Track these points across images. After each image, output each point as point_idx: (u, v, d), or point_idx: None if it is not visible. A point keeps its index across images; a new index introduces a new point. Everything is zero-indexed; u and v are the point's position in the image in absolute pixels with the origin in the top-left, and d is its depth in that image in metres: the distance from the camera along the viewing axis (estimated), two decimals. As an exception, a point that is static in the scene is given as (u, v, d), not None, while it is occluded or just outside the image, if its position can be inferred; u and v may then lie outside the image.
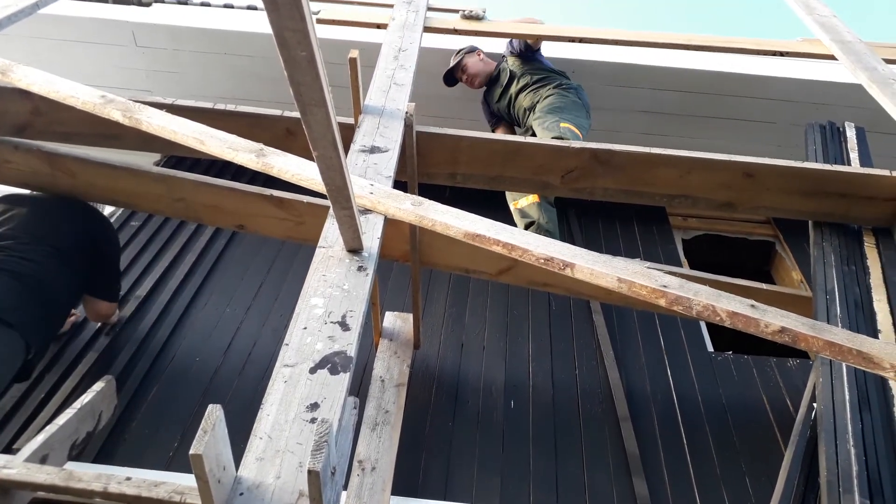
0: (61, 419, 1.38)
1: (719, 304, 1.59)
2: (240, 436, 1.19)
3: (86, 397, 1.47)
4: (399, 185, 1.96)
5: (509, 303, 3.23)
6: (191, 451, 0.96)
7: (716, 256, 4.03)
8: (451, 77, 3.94)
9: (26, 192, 2.68)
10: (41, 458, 1.30)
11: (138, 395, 2.56)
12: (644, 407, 2.70)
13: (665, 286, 1.61)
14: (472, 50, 3.94)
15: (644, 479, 2.37)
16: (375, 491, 2.02)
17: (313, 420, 1.21)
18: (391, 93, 2.37)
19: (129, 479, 1.22)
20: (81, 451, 1.57)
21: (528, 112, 3.72)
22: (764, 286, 2.61)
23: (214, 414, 1.01)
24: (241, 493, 1.08)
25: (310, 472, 0.95)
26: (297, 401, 1.24)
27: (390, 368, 2.55)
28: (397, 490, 2.13)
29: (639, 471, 2.40)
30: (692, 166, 2.47)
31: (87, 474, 1.22)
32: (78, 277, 2.55)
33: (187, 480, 1.19)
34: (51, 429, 1.35)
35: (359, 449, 2.17)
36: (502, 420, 2.59)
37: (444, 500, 2.25)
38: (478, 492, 2.32)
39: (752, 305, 1.59)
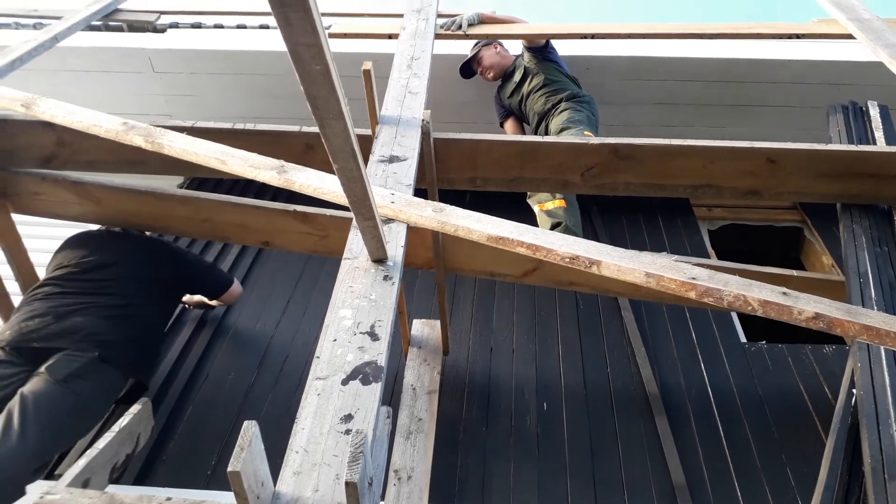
0: (101, 443, 1.41)
1: (751, 293, 1.57)
2: (276, 450, 1.20)
3: (123, 420, 1.49)
4: (419, 192, 1.96)
5: (536, 304, 3.22)
6: (229, 469, 0.97)
7: (743, 245, 3.98)
8: (468, 68, 3.93)
9: (93, 231, 2.76)
10: (83, 482, 1.32)
11: (174, 416, 2.59)
12: (679, 401, 2.67)
13: (694, 278, 1.59)
14: (489, 42, 3.93)
15: (682, 471, 2.35)
16: (413, 500, 2.02)
17: (348, 432, 1.21)
18: (406, 101, 2.38)
19: (169, 499, 1.23)
20: (122, 474, 1.59)
21: (539, 119, 3.71)
22: (795, 273, 2.56)
23: (250, 430, 1.02)
24: (281, 508, 1.08)
25: (347, 484, 0.95)
26: (331, 413, 1.25)
27: (421, 376, 2.55)
28: (435, 497, 2.13)
29: (676, 464, 2.38)
30: (714, 156, 2.44)
31: (129, 496, 1.24)
32: (163, 302, 2.68)
33: (227, 499, 1.20)
34: (91, 453, 1.37)
35: (394, 458, 2.17)
36: (536, 422, 2.58)
37: (483, 504, 2.25)
38: (515, 494, 2.31)
39: (784, 293, 1.57)
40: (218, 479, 2.32)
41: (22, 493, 1.77)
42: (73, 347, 2.16)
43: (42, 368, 2.10)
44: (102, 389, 2.16)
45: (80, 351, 2.15)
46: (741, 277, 1.61)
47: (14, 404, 1.96)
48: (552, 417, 2.60)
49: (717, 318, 3.11)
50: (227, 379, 2.79)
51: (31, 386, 2.04)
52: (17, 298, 2.77)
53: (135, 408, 1.53)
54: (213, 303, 3.13)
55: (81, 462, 1.34)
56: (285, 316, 3.16)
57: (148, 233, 2.85)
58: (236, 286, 3.07)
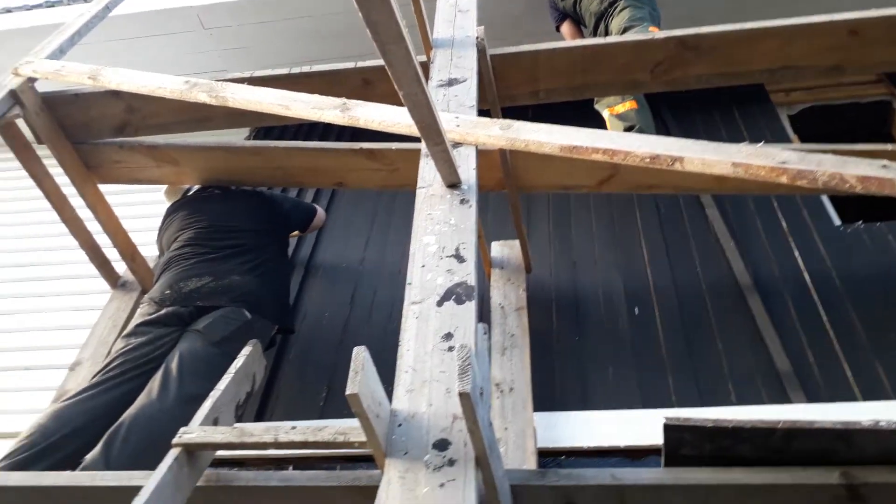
0: (221, 384, 1.50)
1: (847, 170, 1.49)
2: (380, 376, 1.25)
3: (238, 362, 1.58)
4: (481, 113, 1.93)
5: (614, 214, 3.16)
6: (347, 392, 1.02)
7: (827, 127, 3.75)
8: None
9: (190, 196, 2.89)
10: (213, 421, 1.42)
11: (280, 356, 2.73)
12: (775, 290, 2.61)
13: (784, 162, 1.52)
14: None
15: (786, 358, 2.33)
16: (517, 410, 2.08)
17: (451, 348, 1.25)
18: (458, 21, 2.32)
19: (294, 427, 1.31)
20: (244, 413, 1.70)
21: (596, 19, 3.54)
22: (889, 146, 2.41)
23: (362, 355, 1.06)
24: (400, 424, 1.14)
25: (461, 394, 0.99)
26: (432, 333, 1.29)
27: (507, 295, 2.58)
28: (538, 406, 2.19)
29: (779, 351, 2.35)
30: (790, 34, 2.29)
31: (258, 428, 1.33)
32: (282, 246, 2.82)
33: (346, 423, 1.27)
34: (215, 394, 1.47)
35: (493, 373, 2.23)
36: (629, 327, 2.59)
37: (586, 409, 2.30)
38: (617, 396, 2.35)
39: (884, 166, 1.48)
40: (330, 409, 2.46)
41: None
42: (230, 306, 2.28)
43: (199, 327, 2.22)
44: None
45: (234, 311, 2.28)
46: (834, 155, 1.53)
47: (173, 362, 2.10)
48: (645, 321, 2.59)
49: (808, 204, 2.98)
50: (323, 317, 2.91)
51: (189, 345, 2.18)
52: (118, 265, 2.95)
53: (246, 349, 1.62)
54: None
55: (208, 403, 1.44)
56: (367, 252, 3.22)
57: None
58: (320, 212, 3.20)
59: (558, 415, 2.29)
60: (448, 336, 1.27)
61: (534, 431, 2.09)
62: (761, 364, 2.35)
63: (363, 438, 1.23)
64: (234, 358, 2.22)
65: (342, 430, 1.27)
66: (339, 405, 2.45)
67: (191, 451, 1.34)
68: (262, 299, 2.40)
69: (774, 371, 2.31)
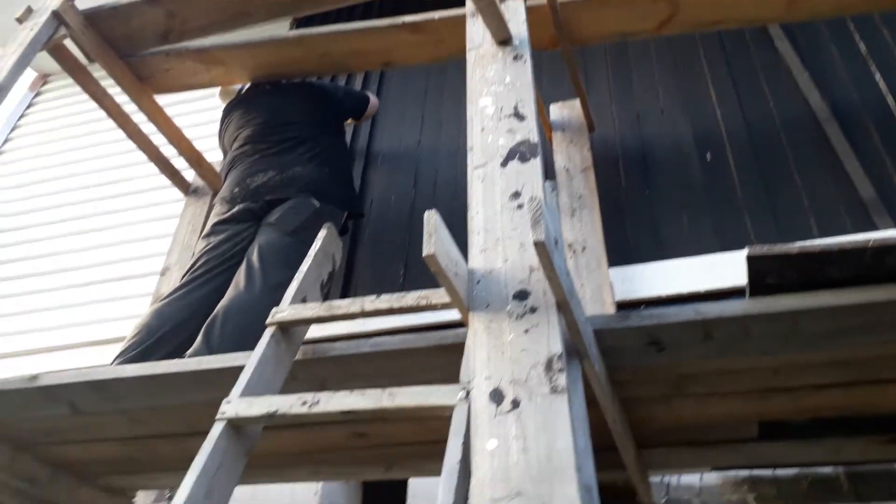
0: (304, 266, 1.57)
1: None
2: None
3: (316, 244, 1.64)
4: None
5: (677, 58, 2.99)
6: (424, 253, 1.04)
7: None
8: None
9: (242, 95, 2.87)
10: (301, 300, 1.49)
11: (354, 242, 2.81)
12: (855, 118, 2.46)
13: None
14: None
15: (870, 185, 2.23)
16: (591, 268, 2.09)
17: (520, 206, 1.25)
18: None
19: (378, 296, 1.37)
20: (328, 293, 1.78)
21: None
22: None
23: (433, 218, 1.08)
24: (479, 281, 1.17)
25: (536, 244, 0.99)
26: (499, 193, 1.29)
27: (571, 157, 2.53)
28: (613, 263, 2.19)
29: (862, 179, 2.25)
30: None
31: (344, 302, 1.39)
32: (340, 134, 2.83)
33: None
34: (299, 276, 1.54)
35: (564, 235, 2.23)
36: (700, 173, 2.52)
37: (663, 259, 2.29)
38: (693, 242, 2.32)
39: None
40: (409, 287, 2.53)
41: None
42: (297, 197, 2.34)
43: (272, 220, 2.30)
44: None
45: (303, 201, 2.34)
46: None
47: (254, 255, 2.20)
48: (718, 165, 2.51)
49: (888, 22, 2.72)
50: (389, 200, 2.95)
51: (265, 238, 2.26)
52: (187, 174, 3.04)
53: (322, 233, 1.67)
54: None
55: (294, 285, 1.51)
56: (423, 134, 3.19)
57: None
58: (373, 98, 3.16)
59: (634, 267, 2.30)
60: (516, 195, 1.27)
61: (610, 286, 2.10)
62: (843, 194, 2.26)
63: (445, 299, 1.27)
64: (310, 245, 2.31)
65: (423, 294, 1.31)
66: (418, 282, 2.52)
67: (285, 328, 1.42)
68: (326, 186, 2.44)
69: (858, 199, 2.22)
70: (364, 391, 1.19)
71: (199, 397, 1.62)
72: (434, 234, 1.05)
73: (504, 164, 1.35)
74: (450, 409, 1.12)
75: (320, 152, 2.54)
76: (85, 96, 2.70)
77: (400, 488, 2.16)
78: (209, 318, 2.03)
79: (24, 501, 2.10)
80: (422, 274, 1.26)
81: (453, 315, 1.22)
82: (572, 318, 1.11)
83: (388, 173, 3.10)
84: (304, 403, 1.19)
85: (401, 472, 1.93)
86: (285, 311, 1.42)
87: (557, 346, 1.04)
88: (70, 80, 2.72)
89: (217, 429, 1.20)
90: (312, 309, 1.40)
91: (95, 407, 1.72)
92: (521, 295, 1.12)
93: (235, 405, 1.22)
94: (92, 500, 2.17)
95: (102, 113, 2.71)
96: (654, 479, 2.00)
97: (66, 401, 1.71)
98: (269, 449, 1.81)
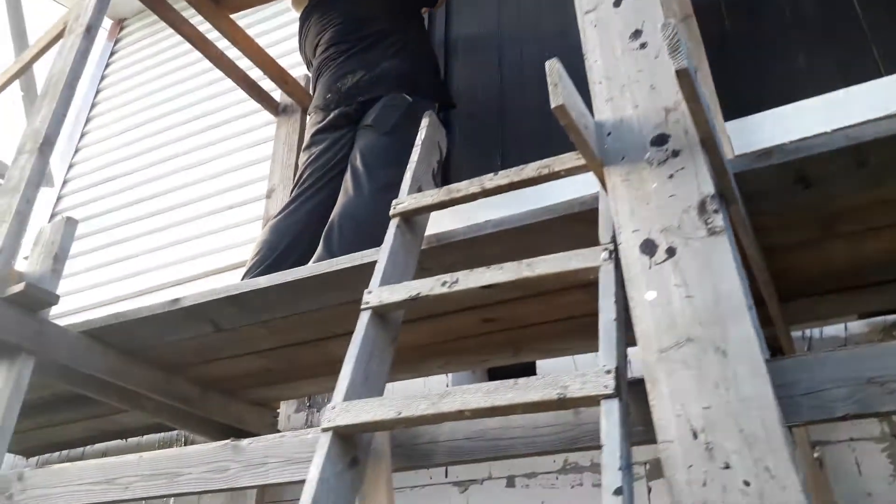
0: (414, 156, 1.54)
1: None
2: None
3: (421, 133, 1.60)
4: None
5: None
6: (553, 105, 0.97)
7: None
8: None
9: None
10: (417, 190, 1.47)
11: (448, 133, 2.73)
12: None
13: None
14: None
15: None
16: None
17: (642, 45, 1.14)
18: None
19: (496, 173, 1.32)
20: (437, 179, 1.75)
21: None
22: None
23: (555, 66, 1.00)
24: (609, 133, 1.09)
25: (678, 72, 0.90)
26: (617, 35, 1.18)
27: (668, 6, 2.32)
28: (727, 117, 2.03)
29: None
30: None
31: (463, 184, 1.35)
32: (419, 22, 2.75)
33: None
34: (411, 166, 1.51)
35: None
36: (815, 5, 2.27)
37: (782, 105, 2.11)
38: (814, 81, 2.13)
39: None
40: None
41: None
42: (389, 94, 2.29)
43: (368, 122, 2.27)
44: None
45: (396, 98, 2.29)
46: None
47: (357, 160, 2.19)
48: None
49: None
50: (476, 87, 2.85)
51: (364, 141, 2.24)
52: (274, 95, 3.05)
53: (424, 121, 1.62)
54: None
55: (408, 175, 1.49)
56: (501, 13, 3.03)
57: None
58: None
59: (751, 118, 2.13)
60: (636, 34, 1.16)
61: (728, 139, 1.96)
62: None
63: (567, 165, 1.21)
64: (409, 142, 2.27)
65: (544, 163, 1.26)
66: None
67: (408, 217, 1.40)
68: (416, 79, 2.37)
69: None
70: (501, 265, 1.16)
71: (332, 299, 1.66)
72: (559, 82, 0.98)
73: (617, 3, 1.23)
74: (594, 270, 1.08)
75: (405, 45, 2.46)
76: (162, 35, 2.71)
77: (527, 372, 2.18)
78: (327, 226, 2.06)
79: (181, 419, 2.29)
80: (520, 160, 1.22)
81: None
82: (718, 158, 1.03)
83: (470, 61, 2.98)
84: (444, 284, 1.18)
85: (529, 354, 1.94)
86: (405, 201, 1.40)
87: (709, 187, 0.97)
88: (144, 22, 2.73)
89: (364, 318, 1.21)
90: (431, 196, 1.38)
91: (235, 321, 1.80)
92: (660, 140, 1.03)
93: (377, 294, 1.23)
94: (240, 413, 2.33)
95: (181, 49, 2.72)
96: (796, 333, 1.92)
97: (208, 319, 1.80)
98: (401, 343, 1.85)
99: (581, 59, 1.21)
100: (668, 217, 0.97)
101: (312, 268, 1.63)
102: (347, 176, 2.17)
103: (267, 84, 2.98)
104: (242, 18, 2.83)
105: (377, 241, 1.49)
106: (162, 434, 2.83)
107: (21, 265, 1.98)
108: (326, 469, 1.01)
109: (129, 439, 2.87)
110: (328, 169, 2.26)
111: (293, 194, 2.28)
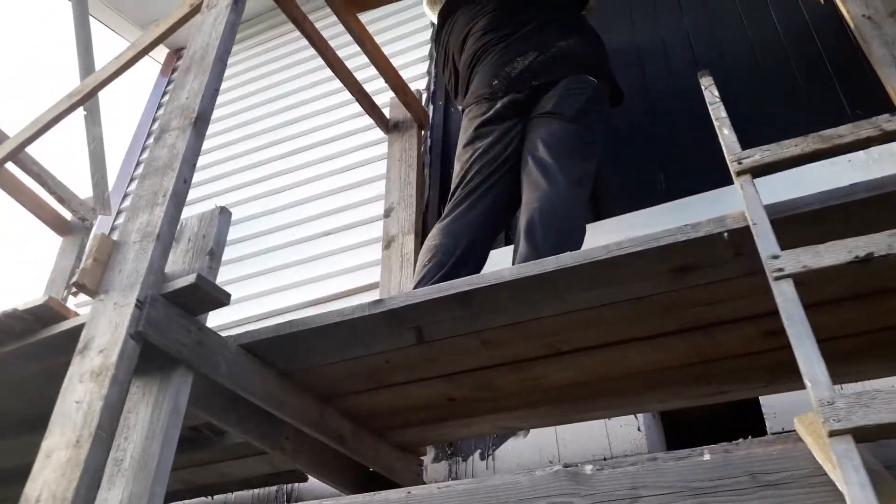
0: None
1: None
2: None
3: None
4: None
5: None
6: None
7: None
8: None
9: None
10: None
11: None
12: None
13: None
14: None
15: None
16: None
17: None
18: None
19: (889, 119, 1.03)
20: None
21: None
22: None
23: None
24: None
25: None
26: None
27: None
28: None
29: None
30: None
31: (844, 128, 1.05)
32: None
33: None
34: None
35: None
36: None
37: None
38: None
39: None
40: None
41: (584, 231, 1.76)
42: (569, 77, 2.01)
43: (548, 108, 1.98)
44: (605, 114, 2.07)
45: (577, 80, 2.01)
46: None
47: (541, 151, 1.89)
48: None
49: None
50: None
51: (547, 129, 1.95)
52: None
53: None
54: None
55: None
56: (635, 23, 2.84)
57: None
58: None
59: None
60: None
61: None
62: None
63: None
64: (594, 130, 1.99)
65: None
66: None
67: (757, 174, 1.09)
68: (595, 60, 2.10)
69: None
70: None
71: (590, 299, 1.33)
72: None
73: None
74: None
75: (577, 23, 2.21)
76: (278, 41, 2.45)
77: (750, 406, 1.83)
78: (525, 223, 1.75)
79: (319, 466, 1.88)
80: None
81: None
82: None
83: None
84: (908, 237, 0.86)
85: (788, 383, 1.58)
86: (754, 153, 1.09)
87: None
88: (260, 28, 2.47)
89: (784, 288, 0.88)
90: (795, 144, 1.07)
91: (446, 329, 1.45)
92: None
93: (792, 258, 0.90)
94: (389, 459, 1.93)
95: (299, 56, 2.47)
96: None
97: (414, 326, 1.44)
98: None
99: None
100: None
101: (582, 254, 1.28)
102: (532, 168, 1.87)
103: (378, 99, 2.72)
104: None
105: (576, 241, 1.31)
106: (255, 490, 2.40)
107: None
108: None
109: (216, 496, 2.42)
110: (499, 164, 1.96)
111: (461, 194, 1.95)
